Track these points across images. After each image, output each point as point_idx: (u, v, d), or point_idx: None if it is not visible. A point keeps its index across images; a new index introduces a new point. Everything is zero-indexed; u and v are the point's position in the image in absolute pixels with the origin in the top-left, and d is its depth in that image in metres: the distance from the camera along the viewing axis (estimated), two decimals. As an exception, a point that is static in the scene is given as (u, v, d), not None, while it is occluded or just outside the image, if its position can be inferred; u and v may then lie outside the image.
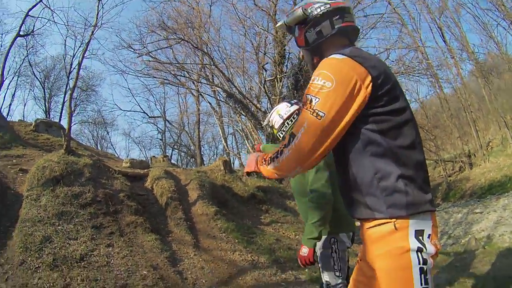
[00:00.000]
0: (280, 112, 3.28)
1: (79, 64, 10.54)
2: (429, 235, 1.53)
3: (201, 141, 29.60)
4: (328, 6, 1.77)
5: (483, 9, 22.81)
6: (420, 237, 1.51)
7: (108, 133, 36.11)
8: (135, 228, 7.01)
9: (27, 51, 26.36)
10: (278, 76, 14.93)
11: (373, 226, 1.59)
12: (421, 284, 1.49)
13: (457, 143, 24.57)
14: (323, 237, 2.98)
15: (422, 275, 1.49)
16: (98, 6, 10.77)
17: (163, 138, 32.89)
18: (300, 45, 1.92)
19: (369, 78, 1.53)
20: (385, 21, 15.11)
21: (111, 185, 8.42)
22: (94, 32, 10.65)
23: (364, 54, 1.67)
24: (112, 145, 36.22)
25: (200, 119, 26.86)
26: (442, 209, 15.53)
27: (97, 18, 10.71)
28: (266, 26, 16.94)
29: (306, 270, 6.50)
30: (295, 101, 3.36)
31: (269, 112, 3.47)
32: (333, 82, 1.51)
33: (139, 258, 5.98)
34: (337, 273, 2.93)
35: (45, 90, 29.69)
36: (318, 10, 1.78)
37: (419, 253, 1.50)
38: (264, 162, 1.81)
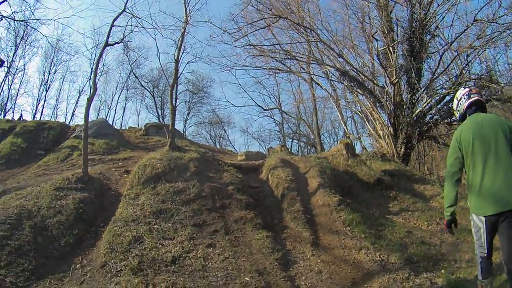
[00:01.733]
0: (457, 94, 3.90)
1: (176, 61, 10.51)
2: None
3: (320, 129, 28.79)
4: None
5: None
6: None
7: (225, 131, 37.01)
8: (244, 224, 6.51)
9: (131, 66, 28.64)
10: (390, 45, 13.39)
11: None
12: None
13: None
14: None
15: None
16: (184, 3, 10.91)
17: (282, 130, 32.70)
18: None
19: None
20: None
21: (220, 178, 8.10)
22: (186, 28, 10.72)
23: None
24: (230, 142, 37.16)
25: (317, 105, 26.13)
26: None
27: (186, 14, 10.64)
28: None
29: (443, 271, 5.34)
30: (471, 87, 3.91)
31: None
32: None
33: (244, 261, 5.39)
34: (476, 245, 3.43)
35: (155, 99, 32.05)
36: None
37: None
38: None
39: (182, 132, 28.68)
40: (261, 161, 10.88)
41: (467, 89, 3.79)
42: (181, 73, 26.66)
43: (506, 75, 15.07)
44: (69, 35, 44.59)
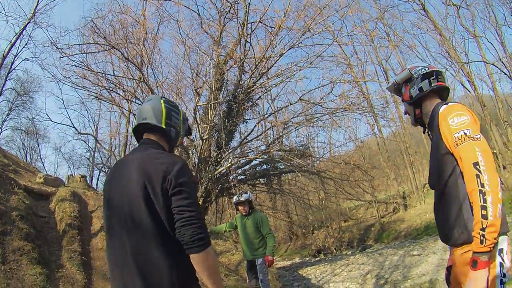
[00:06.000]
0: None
1: (4, 57, 9.49)
2: None
3: (128, 166, 27.42)
4: (427, 68, 2.41)
5: (432, 54, 23.93)
6: None
7: (38, 145, 33.05)
8: (21, 256, 5.93)
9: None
10: (211, 103, 14.13)
11: None
12: None
13: (392, 185, 24.74)
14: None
15: None
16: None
17: (92, 158, 30.65)
18: (406, 100, 2.50)
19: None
20: (330, 57, 14.66)
21: (7, 200, 7.27)
22: (26, 25, 9.78)
23: None
24: (41, 158, 33.43)
25: (130, 142, 25.05)
26: (375, 250, 15.09)
27: (34, 11, 9.85)
28: (210, 51, 16.32)
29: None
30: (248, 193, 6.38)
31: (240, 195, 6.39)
32: (467, 115, 2.11)
33: (14, 297, 4.90)
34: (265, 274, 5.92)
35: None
36: (420, 71, 2.42)
37: None
38: (485, 238, 1.86)
39: (-4, 134, 24.64)
40: (54, 189, 10.10)
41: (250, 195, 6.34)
42: (14, 68, 23.86)
43: (322, 151, 17.21)
44: None
